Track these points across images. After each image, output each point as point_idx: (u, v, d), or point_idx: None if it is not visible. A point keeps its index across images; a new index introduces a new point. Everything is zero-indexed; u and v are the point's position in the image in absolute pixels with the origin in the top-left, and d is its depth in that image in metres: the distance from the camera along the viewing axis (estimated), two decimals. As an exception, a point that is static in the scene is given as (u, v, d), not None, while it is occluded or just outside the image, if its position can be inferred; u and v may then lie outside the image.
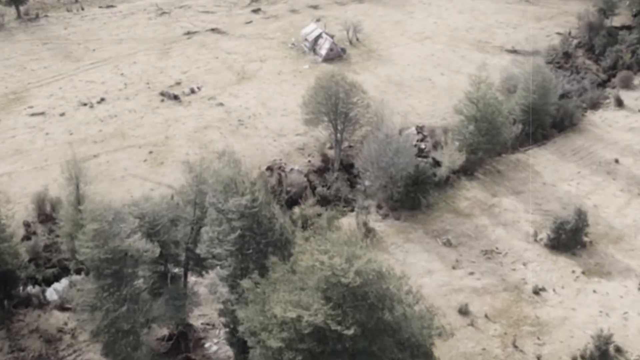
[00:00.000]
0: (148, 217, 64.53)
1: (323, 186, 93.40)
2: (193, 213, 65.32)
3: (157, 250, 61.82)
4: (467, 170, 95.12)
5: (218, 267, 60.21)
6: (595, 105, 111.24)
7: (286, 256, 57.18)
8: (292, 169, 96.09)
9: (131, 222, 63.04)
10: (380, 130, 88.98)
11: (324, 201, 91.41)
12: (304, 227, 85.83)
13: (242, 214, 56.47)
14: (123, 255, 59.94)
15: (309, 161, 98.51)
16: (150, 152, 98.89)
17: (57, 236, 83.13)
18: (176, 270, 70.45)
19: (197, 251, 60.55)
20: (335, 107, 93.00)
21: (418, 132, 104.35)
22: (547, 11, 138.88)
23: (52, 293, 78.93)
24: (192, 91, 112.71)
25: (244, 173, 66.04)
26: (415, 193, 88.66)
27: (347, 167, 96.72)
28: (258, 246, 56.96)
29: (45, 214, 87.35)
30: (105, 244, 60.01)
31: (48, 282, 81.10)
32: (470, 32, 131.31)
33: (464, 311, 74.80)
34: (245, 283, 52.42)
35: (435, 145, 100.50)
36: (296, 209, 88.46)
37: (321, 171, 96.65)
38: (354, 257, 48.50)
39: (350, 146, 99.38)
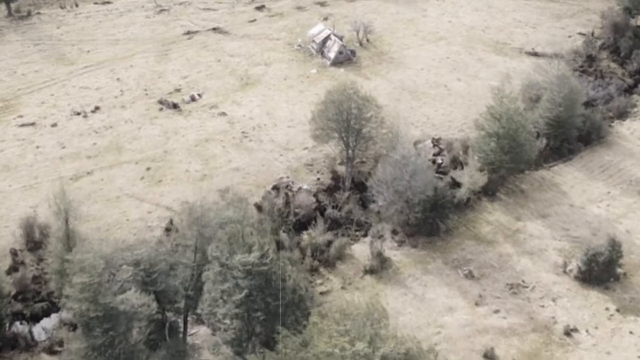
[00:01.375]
0: (143, 264, 58.04)
1: (333, 207, 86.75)
2: (194, 258, 58.62)
3: (154, 305, 55.44)
4: (488, 190, 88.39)
5: (222, 329, 53.59)
6: (622, 115, 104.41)
7: (299, 317, 50.65)
8: (300, 188, 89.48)
9: (125, 270, 56.59)
10: (395, 149, 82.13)
11: (334, 224, 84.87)
12: (313, 255, 79.64)
13: (250, 272, 49.84)
14: (115, 313, 53.39)
15: (318, 179, 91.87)
16: (148, 169, 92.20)
17: (47, 265, 76.80)
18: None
19: (198, 311, 54.00)
20: (347, 123, 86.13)
21: (434, 145, 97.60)
22: (568, 9, 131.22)
23: (40, 333, 72.65)
24: (193, 99, 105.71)
25: (250, 215, 59.22)
26: (433, 218, 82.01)
27: (359, 185, 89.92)
28: (267, 307, 50.43)
29: (34, 240, 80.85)
30: (95, 300, 53.66)
31: (37, 318, 74.89)
32: (487, 32, 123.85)
33: (489, 356, 68.64)
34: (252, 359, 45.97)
35: (454, 161, 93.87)
36: (305, 235, 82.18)
37: (331, 190, 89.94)
38: (378, 338, 41.93)
39: (362, 161, 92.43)
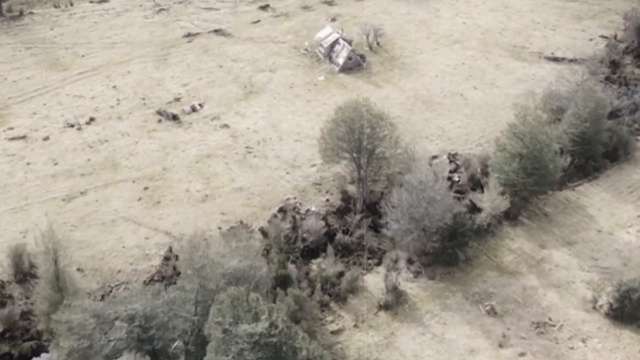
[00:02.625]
0: (138, 319, 52.25)
1: (344, 232, 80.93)
2: (194, 312, 52.92)
3: (150, 369, 49.70)
4: (509, 214, 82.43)
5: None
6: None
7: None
8: (308, 210, 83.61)
9: (118, 328, 50.86)
10: (411, 172, 76.15)
11: (345, 250, 79.20)
12: (324, 289, 73.92)
13: (257, 343, 44.08)
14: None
15: (327, 200, 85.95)
16: (146, 188, 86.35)
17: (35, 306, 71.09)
18: None
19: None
20: (359, 142, 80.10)
21: (450, 161, 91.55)
22: (589, 9, 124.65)
23: (29, 375, 67.25)
24: (193, 109, 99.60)
25: (259, 266, 53.41)
26: (452, 247, 76.21)
27: (371, 207, 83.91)
28: (277, 382, 44.74)
29: (23, 271, 75.10)
30: (84, 366, 47.92)
31: (25, 358, 69.30)
32: (504, 35, 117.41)
33: (516, 407, 62.99)
34: None
35: (471, 178, 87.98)
36: (314, 265, 76.46)
37: (341, 212, 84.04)
38: None
39: (374, 180, 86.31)
